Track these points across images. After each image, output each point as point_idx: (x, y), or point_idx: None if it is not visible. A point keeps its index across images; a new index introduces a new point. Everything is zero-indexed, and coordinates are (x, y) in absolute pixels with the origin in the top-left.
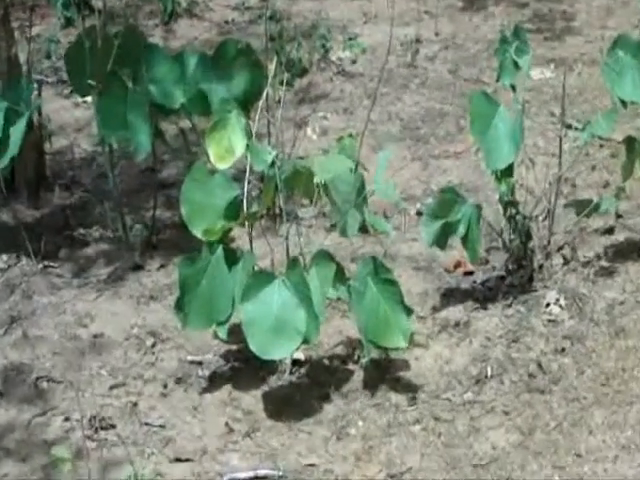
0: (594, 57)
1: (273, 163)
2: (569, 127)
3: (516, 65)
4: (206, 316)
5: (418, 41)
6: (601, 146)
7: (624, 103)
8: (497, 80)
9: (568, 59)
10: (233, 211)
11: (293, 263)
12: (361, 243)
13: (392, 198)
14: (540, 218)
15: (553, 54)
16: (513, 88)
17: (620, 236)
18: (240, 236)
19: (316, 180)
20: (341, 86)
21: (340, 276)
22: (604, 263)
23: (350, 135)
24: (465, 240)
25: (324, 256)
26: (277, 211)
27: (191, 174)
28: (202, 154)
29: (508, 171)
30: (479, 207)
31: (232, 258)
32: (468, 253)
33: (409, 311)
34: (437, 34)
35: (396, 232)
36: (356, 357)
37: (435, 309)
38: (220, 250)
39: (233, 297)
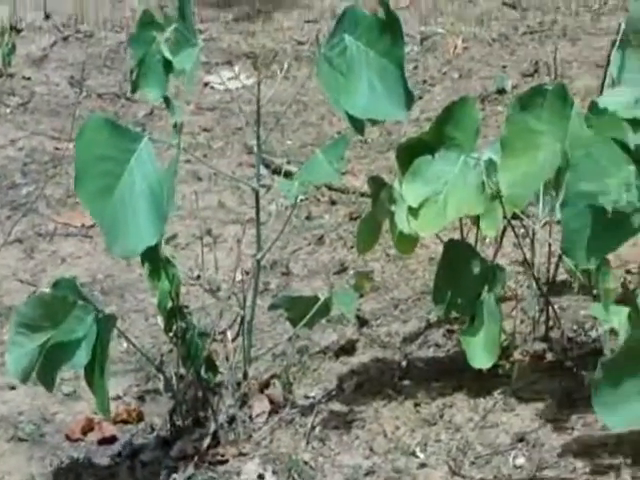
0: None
1: None
2: (275, 172)
3: (169, 66)
4: None
5: None
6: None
7: (357, 123)
8: (133, 92)
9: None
10: None
11: None
12: None
13: None
14: (230, 333)
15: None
16: (168, 104)
17: (365, 356)
18: None
19: None
20: None
21: None
22: (339, 406)
23: None
24: (91, 379)
25: None
26: None
27: None
28: None
29: (153, 258)
30: (113, 318)
31: None
32: (96, 402)
33: None
34: None
35: None
36: None
37: None
38: None
39: None
